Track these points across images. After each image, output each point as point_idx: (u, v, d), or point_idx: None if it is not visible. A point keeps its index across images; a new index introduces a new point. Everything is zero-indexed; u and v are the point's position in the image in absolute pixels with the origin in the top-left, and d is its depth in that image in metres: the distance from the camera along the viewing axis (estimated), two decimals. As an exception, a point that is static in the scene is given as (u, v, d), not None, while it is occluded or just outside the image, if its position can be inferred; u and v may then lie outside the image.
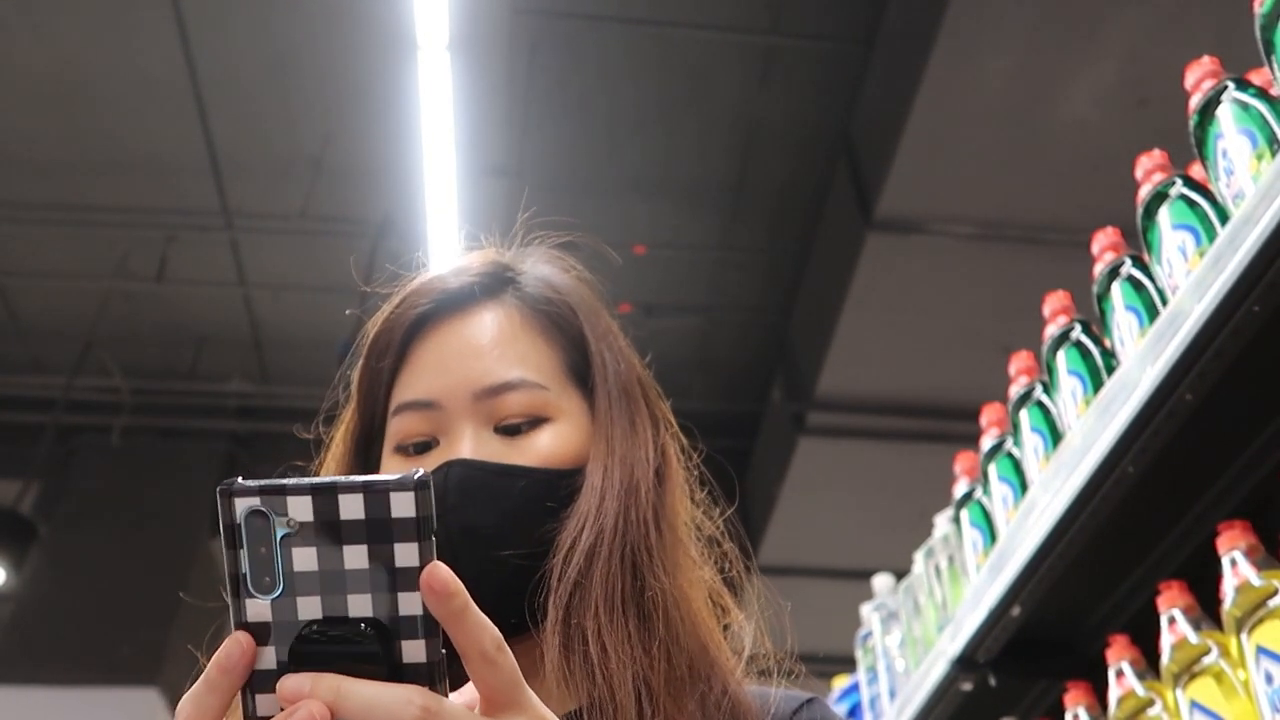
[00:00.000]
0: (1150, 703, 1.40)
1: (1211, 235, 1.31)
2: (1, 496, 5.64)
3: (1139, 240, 1.44)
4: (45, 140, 5.22)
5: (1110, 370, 1.48)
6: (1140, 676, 1.45)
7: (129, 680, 5.28)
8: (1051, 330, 1.62)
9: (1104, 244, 1.55)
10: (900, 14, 4.65)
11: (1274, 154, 1.22)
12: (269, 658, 0.54)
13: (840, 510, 6.03)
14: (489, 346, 0.90)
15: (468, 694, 0.58)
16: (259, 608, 0.53)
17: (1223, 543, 1.30)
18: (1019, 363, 1.77)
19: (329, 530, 0.53)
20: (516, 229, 1.01)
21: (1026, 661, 1.76)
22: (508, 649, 0.56)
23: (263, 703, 0.54)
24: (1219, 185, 1.30)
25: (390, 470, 0.89)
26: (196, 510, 5.94)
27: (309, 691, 0.52)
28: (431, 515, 0.53)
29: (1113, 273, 1.49)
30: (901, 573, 2.20)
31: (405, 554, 0.53)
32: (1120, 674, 1.48)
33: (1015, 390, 1.73)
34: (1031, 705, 1.84)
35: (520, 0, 4.77)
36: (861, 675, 2.29)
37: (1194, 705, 1.29)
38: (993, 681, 1.76)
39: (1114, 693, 1.47)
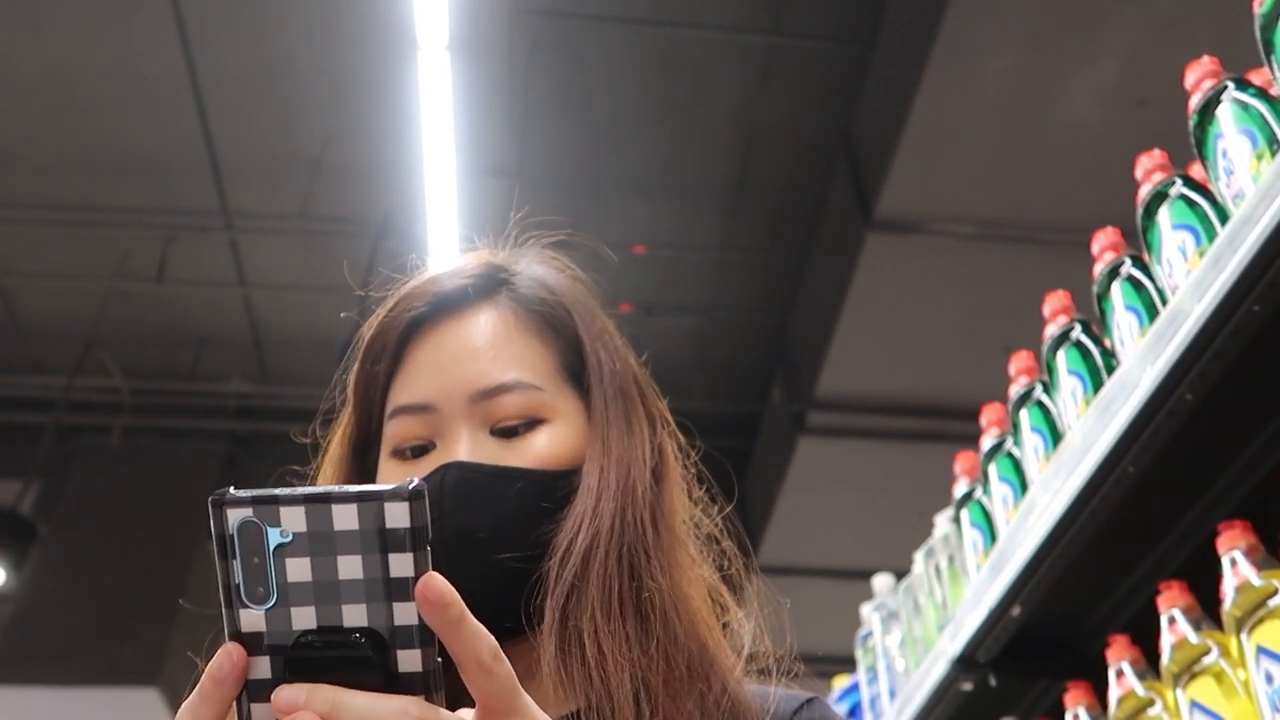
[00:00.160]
0: (1150, 703, 1.40)
1: (1211, 235, 1.30)
2: (1, 496, 5.63)
3: (1139, 240, 1.43)
4: (45, 140, 5.22)
5: (1110, 370, 1.47)
6: (1140, 676, 1.45)
7: (129, 681, 5.29)
8: (1051, 330, 1.62)
9: (1104, 244, 1.55)
10: (900, 14, 4.64)
11: (1274, 154, 1.22)
12: (264, 668, 0.53)
13: (840, 510, 6.02)
14: (484, 348, 0.90)
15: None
16: (253, 618, 0.53)
17: (1223, 543, 1.30)
18: (1019, 363, 1.77)
19: (323, 541, 0.52)
20: (510, 229, 1.00)
21: (1026, 661, 1.76)
22: (504, 658, 0.55)
23: (258, 713, 0.54)
24: (1219, 185, 1.30)
25: (387, 476, 0.89)
26: (196, 510, 5.86)
27: (304, 702, 0.52)
28: (426, 525, 0.53)
29: (1113, 273, 1.48)
30: (901, 573, 2.20)
31: (400, 564, 0.53)
32: (1120, 674, 1.48)
33: (1015, 390, 1.72)
34: (1031, 705, 1.84)
35: (520, 0, 4.77)
36: (861, 675, 2.28)
37: (1194, 705, 1.29)
38: (993, 681, 1.75)
39: (1114, 693, 1.47)
